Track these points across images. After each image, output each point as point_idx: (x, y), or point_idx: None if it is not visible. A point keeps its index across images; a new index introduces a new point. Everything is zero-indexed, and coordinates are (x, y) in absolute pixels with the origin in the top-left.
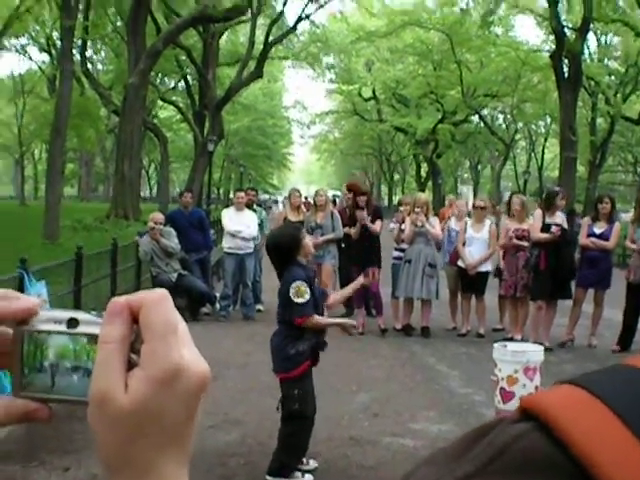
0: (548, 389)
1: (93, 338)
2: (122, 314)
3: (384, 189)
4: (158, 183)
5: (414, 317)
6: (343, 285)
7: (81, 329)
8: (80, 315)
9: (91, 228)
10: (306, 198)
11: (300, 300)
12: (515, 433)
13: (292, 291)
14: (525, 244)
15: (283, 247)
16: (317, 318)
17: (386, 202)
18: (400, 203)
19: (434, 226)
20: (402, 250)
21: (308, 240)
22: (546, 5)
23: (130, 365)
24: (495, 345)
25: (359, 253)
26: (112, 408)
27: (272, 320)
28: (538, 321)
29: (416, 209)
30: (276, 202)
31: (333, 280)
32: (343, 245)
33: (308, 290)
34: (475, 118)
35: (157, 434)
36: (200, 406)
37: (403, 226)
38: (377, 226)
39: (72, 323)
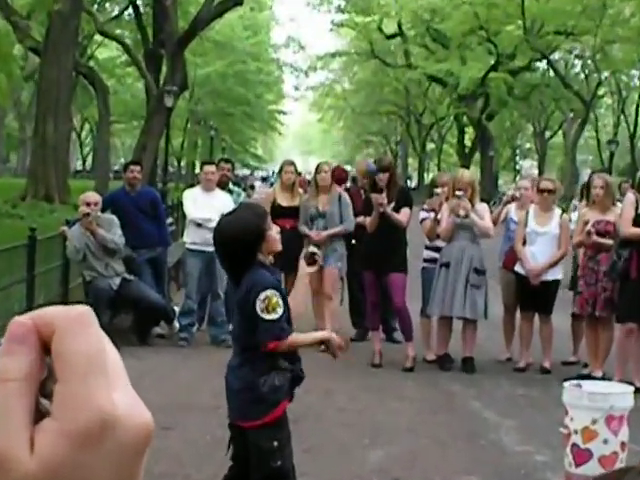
0: None
1: None
2: (27, 340)
3: (412, 163)
4: (94, 151)
5: (452, 344)
6: (353, 299)
7: None
8: None
9: None
10: (300, 174)
11: (272, 316)
12: None
13: (260, 304)
14: (609, 242)
15: (239, 241)
16: (293, 338)
17: (415, 182)
18: (435, 184)
19: (483, 216)
20: (437, 249)
21: (275, 232)
22: None
23: (39, 414)
24: (566, 385)
25: (376, 253)
26: (12, 476)
27: None
28: (626, 351)
29: (457, 192)
30: (265, 179)
31: (338, 290)
32: (354, 242)
33: (281, 301)
34: (542, 64)
35: None
36: (140, 471)
37: (439, 216)
38: (403, 215)
39: None
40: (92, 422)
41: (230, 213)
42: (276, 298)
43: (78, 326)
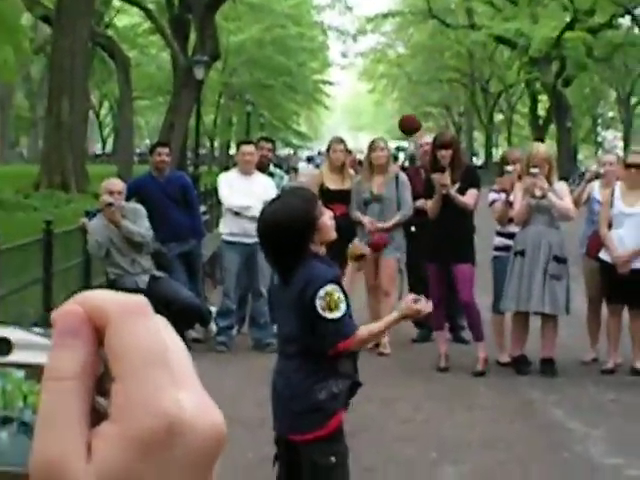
0: None
1: (36, 371)
2: (82, 333)
3: (479, 137)
4: (115, 132)
5: (530, 344)
6: (415, 291)
7: (15, 357)
8: (13, 333)
9: (10, 206)
10: (350, 153)
11: (336, 314)
12: None
13: (320, 303)
14: None
15: (288, 231)
16: (362, 331)
17: (482, 159)
18: (506, 160)
19: (562, 196)
20: (510, 236)
21: (328, 218)
22: None
23: (97, 415)
24: None
25: (440, 242)
26: None
27: None
28: None
29: (532, 169)
30: (310, 159)
31: (398, 283)
32: (413, 229)
33: (342, 296)
34: (625, 20)
35: None
36: (212, 475)
37: (511, 197)
38: (469, 197)
39: (0, 347)
40: (157, 426)
41: (274, 200)
42: (338, 293)
43: (136, 317)
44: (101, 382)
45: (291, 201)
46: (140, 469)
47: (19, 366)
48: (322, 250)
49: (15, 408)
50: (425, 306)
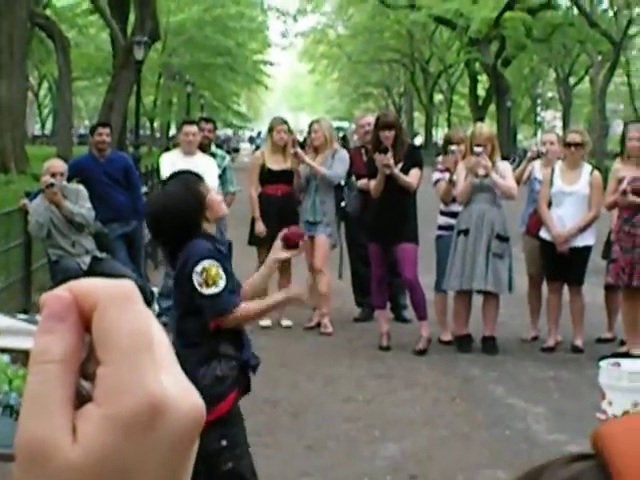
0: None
1: (21, 356)
2: (68, 318)
3: (419, 118)
4: (55, 113)
5: (472, 322)
6: (355, 274)
7: (1, 341)
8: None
9: None
10: (291, 132)
11: (212, 290)
12: (567, 476)
13: (197, 278)
14: None
15: (178, 211)
16: (243, 308)
17: (423, 139)
18: (449, 140)
19: (504, 175)
20: (453, 215)
21: (215, 194)
22: None
23: (80, 398)
24: (602, 364)
25: (383, 221)
26: (53, 465)
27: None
28: None
29: (476, 149)
30: (252, 140)
31: (331, 263)
32: (343, 204)
33: (222, 271)
34: (564, 1)
35: None
36: (190, 460)
37: (454, 176)
38: (413, 177)
39: None
40: (140, 407)
41: (166, 184)
42: (215, 268)
43: (122, 302)
44: (85, 366)
45: (176, 184)
46: (125, 448)
47: (4, 351)
48: (212, 228)
49: (0, 391)
50: (305, 294)
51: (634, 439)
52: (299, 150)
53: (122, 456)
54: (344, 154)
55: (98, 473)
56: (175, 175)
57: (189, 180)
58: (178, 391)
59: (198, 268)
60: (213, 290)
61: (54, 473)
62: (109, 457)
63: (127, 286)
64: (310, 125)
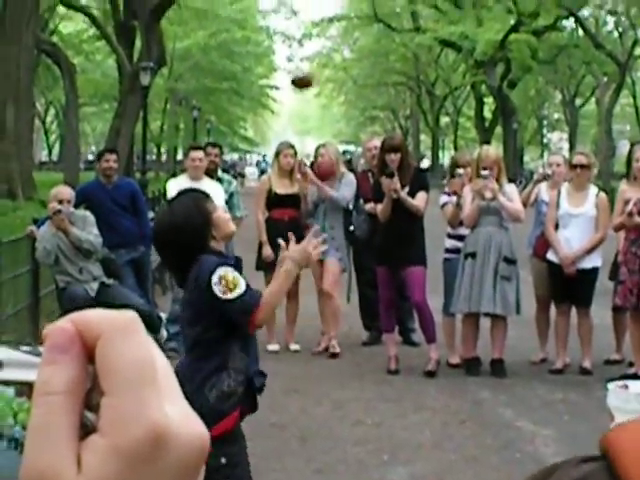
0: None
1: (25, 388)
2: (71, 349)
3: (426, 140)
4: (61, 139)
5: (481, 345)
6: (363, 298)
7: (6, 374)
8: (2, 352)
9: None
10: (296, 156)
11: (237, 292)
12: (577, 476)
13: (218, 288)
14: None
15: (185, 229)
16: (265, 295)
17: (429, 162)
18: (456, 163)
19: (512, 198)
20: (461, 238)
21: (222, 212)
22: None
23: (85, 429)
24: (610, 386)
25: (391, 245)
26: None
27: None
28: None
29: (482, 172)
30: (258, 164)
31: (340, 287)
32: (352, 228)
33: (237, 274)
34: (569, 23)
35: None
36: None
37: (461, 200)
38: (419, 200)
39: None
40: (144, 437)
41: (171, 202)
42: (231, 273)
43: (125, 333)
44: (89, 397)
45: (182, 201)
46: (129, 478)
47: (8, 383)
48: (220, 246)
49: (5, 425)
50: (312, 245)
51: (638, 438)
52: (308, 170)
53: None
54: (351, 178)
55: None
56: (181, 193)
57: (195, 197)
58: (182, 421)
59: (215, 279)
60: (238, 292)
61: None
62: None
63: (130, 316)
64: (317, 149)
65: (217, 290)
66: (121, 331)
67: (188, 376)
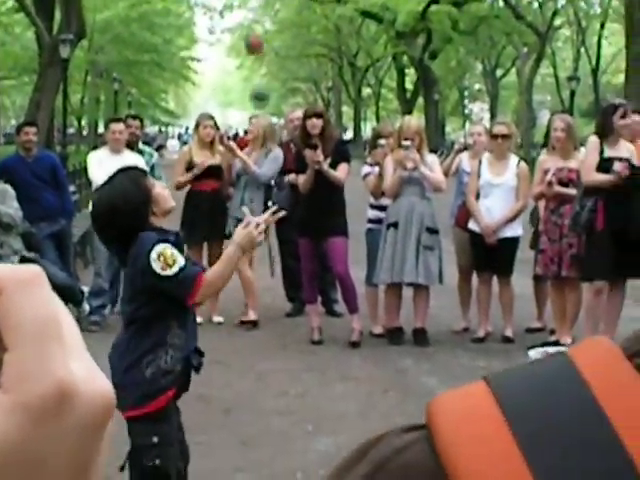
0: (462, 387)
1: None
2: None
3: (348, 112)
4: None
5: (403, 314)
6: (286, 270)
7: None
8: None
9: None
10: (218, 128)
11: (175, 269)
12: (399, 445)
13: (157, 265)
14: (572, 192)
15: (125, 207)
16: (211, 274)
17: (351, 133)
18: (378, 134)
19: (433, 168)
20: (383, 208)
21: (161, 188)
22: None
23: None
24: (531, 354)
25: (312, 216)
26: None
27: None
28: (597, 314)
29: (404, 142)
30: (180, 137)
31: (251, 260)
32: (270, 203)
33: (176, 251)
34: None
35: None
36: (101, 447)
37: (384, 170)
38: (341, 171)
39: None
40: (49, 393)
41: (104, 183)
42: (169, 250)
43: (28, 287)
44: None
45: (120, 179)
46: (33, 436)
47: None
48: (160, 222)
49: None
50: (254, 225)
51: (455, 405)
52: (232, 143)
53: (31, 443)
54: (277, 153)
55: (6, 461)
56: (120, 171)
57: (134, 175)
58: (87, 378)
59: (153, 255)
60: (176, 268)
61: None
62: (17, 445)
63: (33, 270)
64: (250, 119)
65: (156, 266)
66: (24, 285)
67: (125, 352)
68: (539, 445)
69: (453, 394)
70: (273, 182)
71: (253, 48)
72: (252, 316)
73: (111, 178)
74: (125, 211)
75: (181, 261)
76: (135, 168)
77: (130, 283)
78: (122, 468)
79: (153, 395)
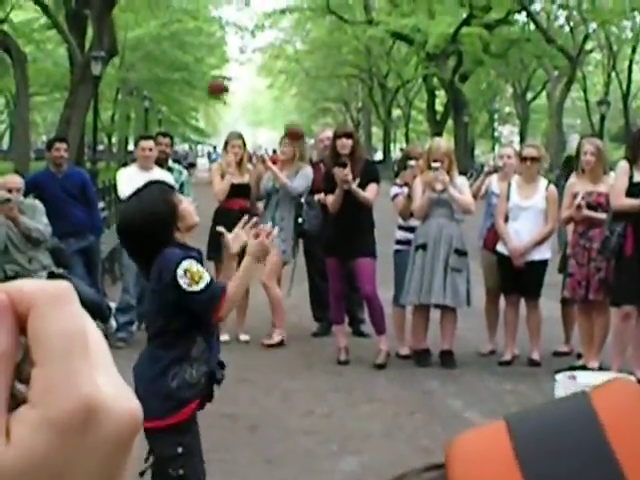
0: (482, 427)
1: None
2: (3, 318)
3: (377, 133)
4: (12, 129)
5: (430, 336)
6: (314, 289)
7: None
8: None
9: None
10: (245, 147)
11: (202, 285)
12: None
13: (184, 281)
14: (601, 216)
15: (151, 220)
16: (230, 290)
17: (380, 154)
18: (408, 155)
19: (462, 190)
20: (411, 229)
21: (187, 204)
22: None
23: (15, 400)
24: (558, 378)
25: (340, 235)
26: None
27: None
28: (625, 338)
29: (434, 164)
30: (209, 155)
31: (273, 277)
32: (300, 220)
33: (200, 267)
34: (521, 17)
35: None
36: (126, 464)
37: (412, 192)
38: (370, 192)
39: None
40: (75, 409)
41: (131, 196)
42: (195, 266)
43: (58, 303)
44: (20, 368)
45: (148, 193)
46: (58, 451)
47: None
48: (184, 238)
49: None
50: (267, 235)
51: (472, 447)
52: (266, 157)
53: (56, 458)
54: (308, 171)
55: (32, 476)
56: (148, 185)
57: (162, 188)
58: (114, 394)
59: (180, 272)
60: (202, 285)
61: None
62: (43, 459)
63: (63, 286)
64: (280, 140)
65: (182, 282)
66: (53, 301)
67: (151, 363)
68: None
69: (472, 435)
70: (303, 200)
71: (212, 91)
72: (276, 338)
73: (139, 190)
74: (152, 221)
75: (206, 278)
76: (163, 182)
77: (156, 297)
78: (142, 474)
79: (178, 407)
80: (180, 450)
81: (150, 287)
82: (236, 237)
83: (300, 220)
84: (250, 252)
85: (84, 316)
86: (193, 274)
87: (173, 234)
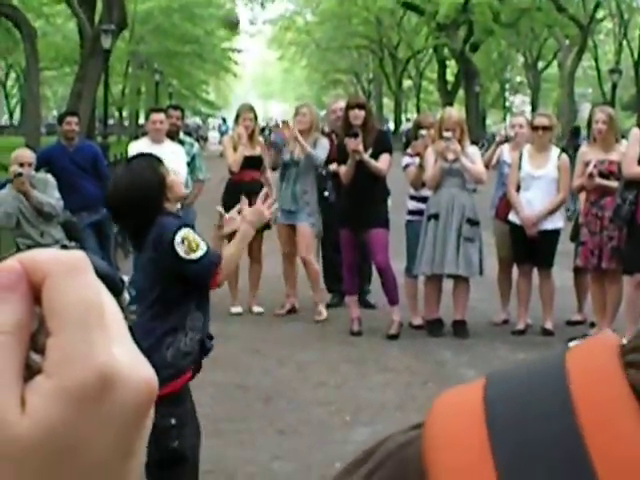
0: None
1: None
2: (18, 288)
3: (388, 104)
4: (22, 103)
5: (443, 306)
6: (326, 261)
7: None
8: None
9: None
10: (256, 120)
11: (200, 253)
12: (402, 441)
13: (181, 249)
14: (613, 184)
15: (141, 191)
16: (226, 257)
17: (391, 124)
18: (419, 125)
19: (474, 160)
20: (423, 199)
21: (175, 176)
22: None
23: (30, 371)
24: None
25: (353, 207)
26: (1, 438)
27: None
28: (637, 306)
29: (445, 133)
30: (220, 129)
31: (314, 251)
32: (326, 194)
33: (197, 235)
34: None
35: (75, 478)
36: (142, 434)
37: (424, 161)
38: (382, 162)
39: None
40: (91, 378)
41: (123, 167)
42: (192, 234)
43: (73, 272)
44: (35, 338)
45: (136, 165)
46: (74, 419)
47: None
48: (175, 207)
49: None
50: (264, 206)
51: (452, 400)
52: (291, 124)
53: (72, 428)
54: (325, 142)
55: (47, 446)
56: (136, 157)
57: (149, 160)
58: (130, 363)
59: (177, 239)
60: (200, 253)
61: (1, 446)
62: (58, 429)
63: (78, 256)
64: (295, 110)
65: (180, 250)
66: (68, 271)
67: (145, 334)
68: (516, 468)
69: (454, 390)
70: (324, 172)
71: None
72: (324, 313)
73: (127, 162)
74: (142, 190)
75: (204, 246)
76: (150, 155)
77: (152, 266)
78: None
79: (173, 377)
80: (173, 421)
81: (145, 256)
82: (231, 220)
83: (326, 193)
84: (248, 218)
85: (99, 286)
86: (190, 242)
87: (163, 204)
